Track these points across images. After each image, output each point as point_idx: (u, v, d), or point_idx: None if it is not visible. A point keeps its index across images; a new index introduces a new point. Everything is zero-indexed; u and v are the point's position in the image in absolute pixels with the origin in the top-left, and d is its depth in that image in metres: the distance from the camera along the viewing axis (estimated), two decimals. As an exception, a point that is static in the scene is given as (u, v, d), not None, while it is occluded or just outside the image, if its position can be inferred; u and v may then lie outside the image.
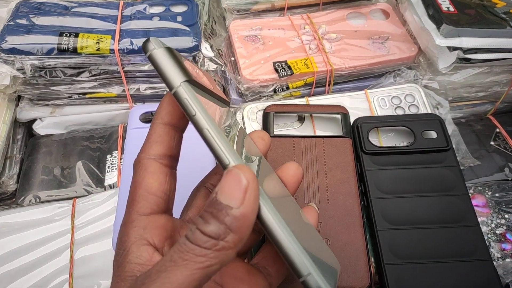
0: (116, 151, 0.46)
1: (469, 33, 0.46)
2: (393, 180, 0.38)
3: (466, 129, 0.49)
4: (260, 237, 0.26)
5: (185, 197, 0.26)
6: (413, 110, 0.45)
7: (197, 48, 0.45)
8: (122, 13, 0.47)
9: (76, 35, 0.43)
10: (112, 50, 0.43)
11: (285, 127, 0.43)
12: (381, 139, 0.43)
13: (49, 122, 0.49)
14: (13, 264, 0.37)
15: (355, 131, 0.41)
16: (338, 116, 0.42)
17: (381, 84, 0.49)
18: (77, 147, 0.47)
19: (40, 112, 0.49)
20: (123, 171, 0.41)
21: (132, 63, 0.45)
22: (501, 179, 0.44)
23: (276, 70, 0.47)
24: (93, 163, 0.45)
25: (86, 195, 0.42)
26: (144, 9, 0.48)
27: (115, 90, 0.47)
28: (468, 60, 0.46)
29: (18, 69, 0.43)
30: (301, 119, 0.44)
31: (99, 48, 0.43)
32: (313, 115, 0.44)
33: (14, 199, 0.45)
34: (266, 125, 0.42)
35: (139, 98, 0.49)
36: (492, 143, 0.48)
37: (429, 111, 0.44)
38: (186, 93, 0.19)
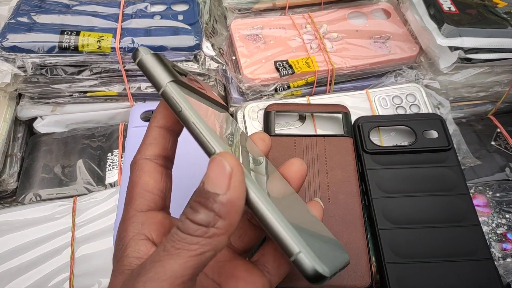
0: (117, 150, 0.46)
1: (470, 33, 0.46)
2: (394, 179, 0.38)
3: (467, 129, 0.49)
4: (264, 235, 0.26)
5: (183, 198, 0.26)
6: (414, 110, 0.45)
7: (198, 46, 0.45)
8: (123, 11, 0.47)
9: (77, 33, 0.43)
10: (113, 49, 0.43)
11: (286, 126, 0.43)
12: (382, 139, 0.43)
13: (50, 121, 0.49)
14: (14, 262, 0.37)
15: (356, 131, 0.41)
16: (339, 115, 0.42)
17: (382, 83, 0.49)
18: (77, 146, 0.47)
19: (41, 110, 0.48)
20: (124, 170, 0.41)
21: (133, 62, 0.45)
22: (502, 179, 0.44)
23: (277, 69, 0.47)
24: (94, 161, 0.45)
25: (86, 194, 0.42)
26: (146, 7, 0.48)
27: (116, 88, 0.47)
28: (469, 60, 0.46)
29: (19, 67, 0.43)
30: (302, 118, 0.44)
31: (100, 47, 0.43)
32: (314, 114, 0.44)
33: (14, 197, 0.45)
34: (267, 124, 0.42)
35: (140, 97, 0.49)
36: (493, 143, 0.48)
37: (430, 111, 0.44)
38: (172, 92, 0.21)
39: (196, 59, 0.45)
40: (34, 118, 0.50)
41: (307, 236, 0.20)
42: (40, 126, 0.49)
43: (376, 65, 0.49)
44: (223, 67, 0.47)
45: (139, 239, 0.21)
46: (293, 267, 0.19)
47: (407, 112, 0.45)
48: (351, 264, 0.34)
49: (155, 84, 0.21)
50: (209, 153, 0.20)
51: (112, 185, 0.43)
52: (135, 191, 0.22)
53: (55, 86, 0.46)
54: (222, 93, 0.51)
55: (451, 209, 0.36)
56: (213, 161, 0.19)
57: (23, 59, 0.43)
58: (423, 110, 0.45)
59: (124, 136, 0.47)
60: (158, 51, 0.44)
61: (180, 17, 0.48)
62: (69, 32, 0.43)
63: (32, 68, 0.43)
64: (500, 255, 0.38)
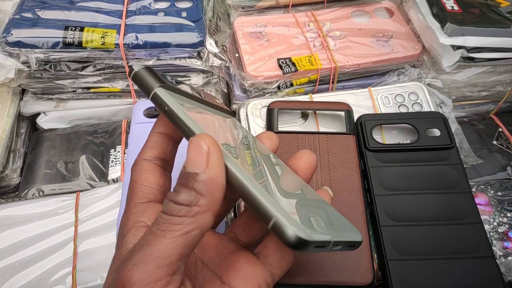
0: (120, 146, 0.46)
1: (473, 32, 0.46)
2: (397, 177, 0.38)
3: (468, 128, 0.49)
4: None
5: None
6: (417, 108, 0.45)
7: (202, 43, 0.45)
8: (127, 8, 0.47)
9: (82, 29, 0.43)
10: (117, 45, 0.43)
11: (288, 124, 0.43)
12: (384, 137, 0.43)
13: (53, 116, 0.49)
14: (17, 256, 0.37)
15: (359, 128, 0.41)
16: (342, 113, 0.43)
17: (385, 82, 0.49)
18: (80, 142, 0.47)
19: (44, 106, 0.49)
20: (126, 166, 0.41)
21: (137, 58, 0.45)
22: (503, 178, 0.44)
23: (280, 66, 0.47)
24: (97, 157, 0.45)
25: (89, 189, 0.42)
26: (149, 4, 0.48)
27: (119, 85, 0.47)
28: (472, 59, 0.46)
29: (23, 63, 0.43)
30: (304, 116, 0.44)
31: (104, 43, 0.43)
32: (316, 112, 0.44)
33: (17, 192, 0.45)
34: (270, 121, 0.42)
35: (143, 94, 0.49)
36: (494, 142, 0.48)
37: (433, 109, 0.45)
38: (159, 95, 0.22)
39: (199, 56, 0.46)
40: (37, 114, 0.50)
41: (304, 208, 0.20)
42: (43, 122, 0.49)
43: (379, 63, 0.49)
44: (226, 64, 0.47)
45: (138, 226, 0.22)
46: (274, 235, 0.19)
47: (410, 111, 0.45)
48: (353, 261, 0.34)
49: (146, 91, 0.23)
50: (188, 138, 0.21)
51: (114, 181, 0.44)
52: (135, 187, 0.23)
53: (59, 81, 0.46)
54: (225, 90, 0.51)
55: (453, 207, 0.36)
56: (190, 143, 0.19)
57: (27, 55, 0.43)
58: (426, 109, 0.45)
59: (127, 133, 0.47)
60: (161, 48, 0.44)
61: (184, 14, 0.48)
62: (73, 28, 0.43)
63: (36, 64, 0.43)
64: (501, 254, 0.38)
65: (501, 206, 0.41)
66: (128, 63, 0.45)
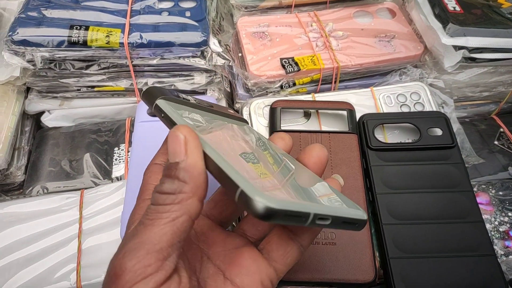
0: (123, 144, 0.47)
1: (475, 33, 0.46)
2: (399, 175, 0.38)
3: (470, 129, 0.49)
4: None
5: None
6: (419, 108, 0.45)
7: (205, 43, 0.45)
8: (131, 7, 0.48)
9: (87, 28, 0.44)
10: (121, 44, 0.44)
11: (291, 123, 0.44)
12: (386, 136, 0.43)
13: (57, 115, 0.50)
14: (21, 253, 0.37)
15: (361, 127, 0.41)
16: (344, 112, 0.43)
17: (387, 82, 0.49)
18: (84, 140, 0.47)
19: (49, 104, 0.49)
20: (130, 164, 0.41)
21: (141, 57, 0.45)
22: (504, 178, 0.44)
23: (283, 66, 0.47)
24: (101, 155, 0.46)
25: (93, 187, 0.43)
26: (153, 4, 0.49)
27: (123, 84, 0.48)
28: (473, 60, 0.47)
29: (28, 61, 0.44)
30: (307, 115, 0.44)
31: (109, 42, 0.43)
32: (319, 111, 0.44)
33: (21, 190, 0.45)
34: (273, 120, 0.42)
35: (146, 92, 0.49)
36: (496, 142, 0.48)
37: (435, 109, 0.45)
38: (159, 105, 0.24)
39: (203, 55, 0.46)
40: (42, 112, 0.50)
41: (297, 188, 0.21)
42: (47, 120, 0.50)
43: (381, 63, 0.49)
44: (230, 64, 0.48)
45: None
46: (242, 207, 0.19)
47: (412, 110, 0.45)
48: (355, 259, 0.34)
49: (149, 105, 0.25)
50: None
51: (118, 178, 0.44)
52: (145, 186, 0.24)
53: (63, 80, 0.46)
54: (228, 89, 0.51)
55: (454, 205, 0.37)
56: (169, 135, 0.20)
57: (32, 53, 0.43)
58: (427, 109, 0.45)
59: (131, 131, 0.47)
60: (165, 47, 0.45)
61: (188, 13, 0.48)
62: (78, 27, 0.44)
63: (41, 62, 0.44)
64: (502, 252, 0.38)
65: (502, 205, 0.41)
66: (132, 62, 0.46)
